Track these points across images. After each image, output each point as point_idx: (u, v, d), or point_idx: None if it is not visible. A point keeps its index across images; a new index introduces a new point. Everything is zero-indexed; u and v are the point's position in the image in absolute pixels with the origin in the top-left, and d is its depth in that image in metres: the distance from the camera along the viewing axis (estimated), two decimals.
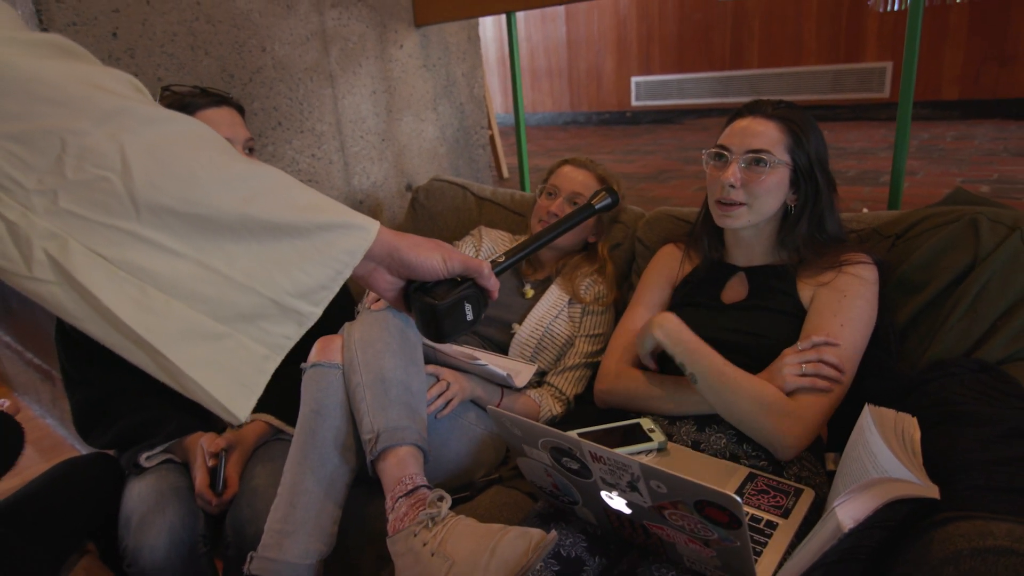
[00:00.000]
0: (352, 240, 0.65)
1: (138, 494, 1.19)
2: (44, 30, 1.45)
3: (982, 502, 0.81)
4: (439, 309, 0.74)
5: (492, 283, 0.78)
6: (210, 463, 1.21)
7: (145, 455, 1.25)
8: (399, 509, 0.93)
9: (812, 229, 1.19)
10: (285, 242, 0.62)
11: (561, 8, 6.14)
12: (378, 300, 1.19)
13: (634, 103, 5.96)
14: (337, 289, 0.65)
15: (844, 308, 1.10)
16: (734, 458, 1.10)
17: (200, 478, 1.19)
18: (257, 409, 1.32)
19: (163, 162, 0.56)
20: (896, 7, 3.62)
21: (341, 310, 1.42)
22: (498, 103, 6.75)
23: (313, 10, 1.91)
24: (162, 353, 0.57)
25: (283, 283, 0.62)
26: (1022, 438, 0.89)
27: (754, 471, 1.06)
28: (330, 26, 1.96)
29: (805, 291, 1.17)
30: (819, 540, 0.77)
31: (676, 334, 1.14)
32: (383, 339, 1.10)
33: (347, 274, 0.66)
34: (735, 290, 1.26)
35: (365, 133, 2.12)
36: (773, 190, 1.16)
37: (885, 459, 0.86)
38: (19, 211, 0.52)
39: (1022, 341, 1.10)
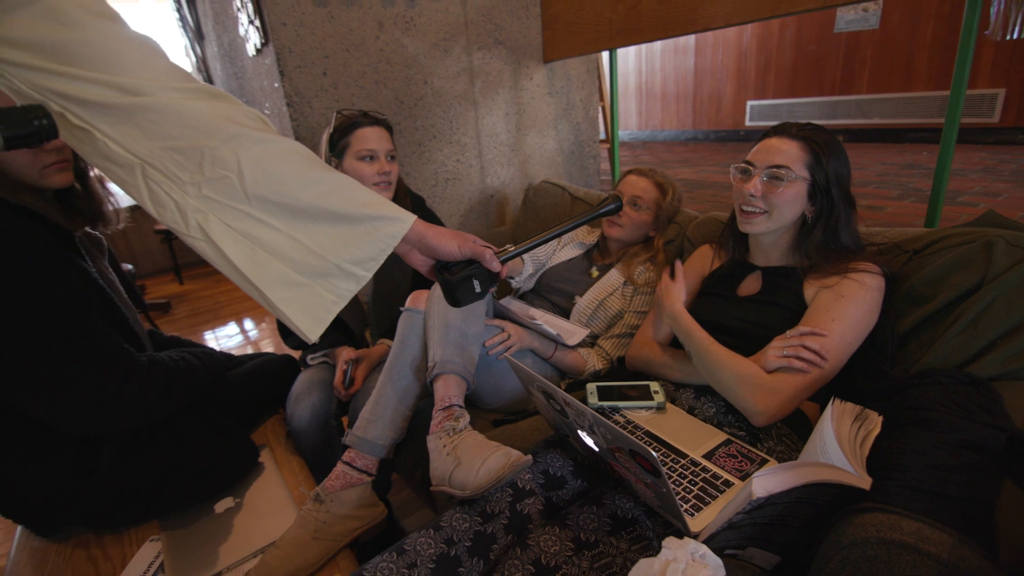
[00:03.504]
0: (394, 228, 0.70)
1: (300, 381, 1.32)
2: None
3: (905, 500, 0.68)
4: (451, 282, 0.76)
5: (494, 266, 0.77)
6: (345, 367, 1.29)
7: (310, 356, 1.39)
8: (436, 418, 0.98)
9: (826, 238, 1.03)
10: (347, 226, 0.68)
11: (692, 42, 5.66)
12: None
13: (748, 123, 5.36)
14: (382, 261, 0.71)
15: (839, 307, 0.95)
16: (719, 425, 1.01)
17: (337, 376, 1.28)
18: (384, 335, 1.44)
19: (264, 167, 0.64)
20: (1016, 35, 2.87)
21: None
22: (632, 122, 6.44)
23: (464, 52, 1.96)
24: (264, 293, 0.66)
25: (344, 254, 0.68)
26: (969, 449, 0.72)
27: (731, 438, 0.97)
28: (476, 64, 2.00)
29: (809, 290, 1.02)
30: (735, 502, 0.69)
31: (677, 319, 1.08)
32: None
33: (389, 251, 0.71)
34: (750, 285, 1.14)
35: (498, 145, 2.15)
36: (790, 201, 1.02)
37: (831, 446, 0.76)
38: (180, 194, 0.63)
39: (1019, 362, 0.87)
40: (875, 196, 2.98)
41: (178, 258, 4.24)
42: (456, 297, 0.79)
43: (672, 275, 1.20)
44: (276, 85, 1.72)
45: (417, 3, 1.80)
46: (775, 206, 1.03)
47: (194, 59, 3.47)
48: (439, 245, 0.75)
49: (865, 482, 0.70)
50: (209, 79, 3.27)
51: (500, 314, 1.34)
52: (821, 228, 1.03)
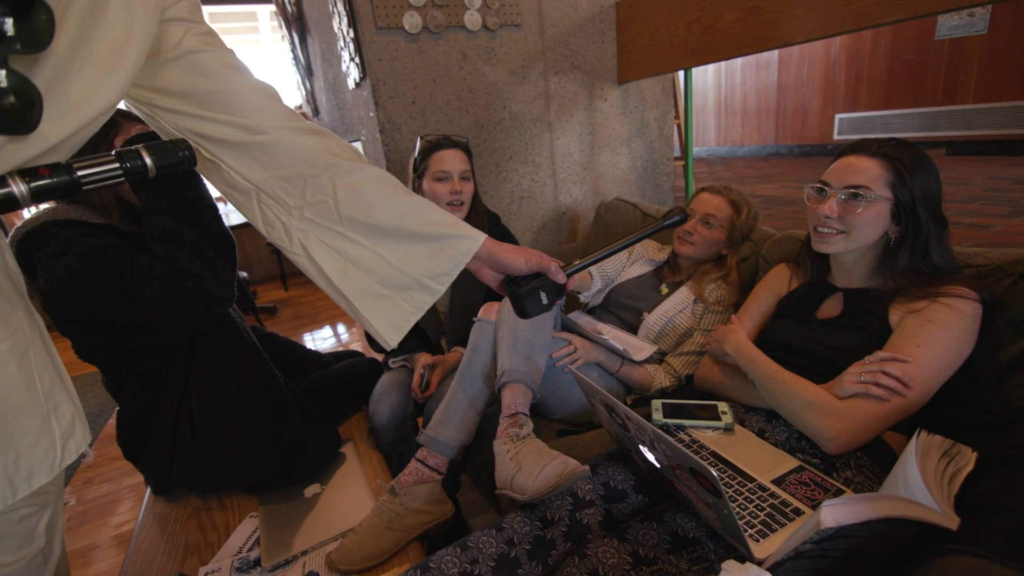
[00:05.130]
0: (466, 245, 0.74)
1: (381, 382, 1.39)
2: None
3: (998, 545, 0.60)
4: (518, 295, 0.77)
5: (560, 278, 0.78)
6: (422, 372, 1.34)
7: (392, 360, 1.46)
8: (502, 424, 1.00)
9: (915, 260, 0.94)
10: (424, 244, 0.73)
11: (775, 57, 5.36)
12: None
13: (836, 137, 4.95)
14: (455, 275, 0.75)
15: (926, 333, 0.86)
16: (792, 451, 0.94)
17: (414, 380, 1.34)
18: (459, 343, 1.49)
19: (354, 193, 0.70)
20: None
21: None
22: (711, 138, 6.19)
23: (540, 78, 2.00)
24: (352, 302, 0.72)
25: (422, 269, 0.73)
26: None
27: (804, 465, 0.91)
28: (552, 88, 2.03)
29: (895, 315, 0.93)
30: (803, 531, 0.65)
31: (739, 348, 1.03)
32: None
33: (461, 267, 0.75)
34: (830, 308, 1.05)
35: (572, 164, 2.16)
36: (870, 222, 0.94)
37: (914, 481, 0.69)
38: (286, 216, 0.71)
39: None
40: (981, 213, 2.66)
41: (285, 268, 4.62)
42: (524, 308, 0.80)
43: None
44: (371, 114, 1.85)
45: (498, 34, 1.87)
46: (853, 227, 0.96)
47: (304, 92, 3.80)
48: (507, 260, 0.77)
49: (952, 522, 0.63)
50: (316, 110, 3.57)
51: (568, 327, 1.34)
52: (907, 250, 0.94)
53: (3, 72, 0.46)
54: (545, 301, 0.82)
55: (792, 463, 0.91)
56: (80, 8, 0.52)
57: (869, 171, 0.94)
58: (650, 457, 0.81)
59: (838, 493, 0.84)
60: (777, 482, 0.87)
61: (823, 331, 1.02)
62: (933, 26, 4.13)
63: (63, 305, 0.92)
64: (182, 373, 1.07)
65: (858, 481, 0.86)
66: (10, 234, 1.01)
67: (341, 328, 3.54)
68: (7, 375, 0.59)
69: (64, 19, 0.50)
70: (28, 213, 1.07)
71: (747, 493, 0.85)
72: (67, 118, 0.53)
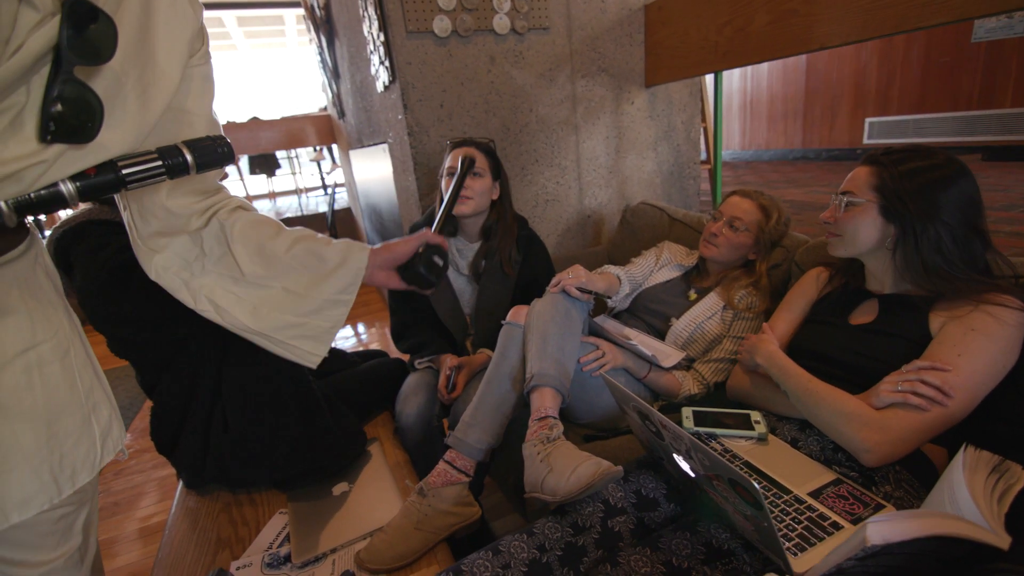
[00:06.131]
0: (359, 254, 0.85)
1: (408, 383, 1.40)
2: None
3: None
4: (414, 267, 0.89)
5: (436, 238, 0.93)
6: (448, 373, 1.34)
7: (417, 361, 1.47)
8: (532, 427, 1.00)
9: (921, 262, 0.92)
10: (323, 266, 0.82)
11: (803, 59, 5.27)
12: (556, 284, 1.24)
13: (866, 141, 4.84)
14: (359, 284, 0.86)
15: (968, 342, 0.83)
16: (828, 463, 0.92)
17: (441, 381, 1.34)
18: (484, 345, 1.49)
19: (246, 240, 0.79)
20: None
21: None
22: (736, 141, 6.10)
23: (568, 81, 1.99)
24: (271, 336, 0.80)
25: (328, 290, 0.82)
26: None
27: (842, 478, 0.88)
28: (579, 91, 2.03)
29: (936, 321, 0.91)
30: (847, 547, 0.63)
31: (770, 358, 1.02)
32: (551, 312, 1.16)
33: (362, 275, 0.85)
34: (864, 313, 1.03)
35: (597, 167, 2.16)
36: (859, 225, 0.97)
37: (962, 498, 0.67)
38: (187, 275, 0.78)
39: None
40: (1020, 221, 2.57)
41: None
42: (425, 278, 0.90)
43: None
44: (400, 117, 1.87)
45: (526, 37, 1.87)
46: (845, 230, 0.99)
47: (330, 94, 3.86)
48: (397, 248, 0.90)
49: (1003, 541, 0.61)
50: (342, 112, 3.62)
51: (595, 332, 1.34)
52: (909, 251, 0.93)
53: (67, 82, 0.48)
54: (441, 263, 0.93)
55: (829, 475, 0.89)
56: (131, 27, 0.54)
57: (858, 177, 0.97)
58: (684, 466, 0.81)
59: (878, 508, 0.82)
60: (814, 495, 0.85)
61: (857, 338, 1.00)
62: (969, 28, 4.02)
63: (100, 300, 0.94)
64: (215, 371, 1.09)
65: (898, 496, 0.84)
66: (47, 234, 1.05)
67: (361, 328, 3.57)
68: (51, 375, 0.60)
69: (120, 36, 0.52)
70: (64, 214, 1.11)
71: (783, 505, 0.84)
72: (124, 130, 0.55)
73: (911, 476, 0.87)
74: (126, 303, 0.92)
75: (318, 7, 3.17)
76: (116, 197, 0.74)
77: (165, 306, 0.90)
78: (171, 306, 0.89)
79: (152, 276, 0.77)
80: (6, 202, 0.49)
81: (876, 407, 0.86)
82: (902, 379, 0.85)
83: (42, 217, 5.30)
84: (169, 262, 0.76)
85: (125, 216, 0.75)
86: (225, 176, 0.87)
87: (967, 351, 0.83)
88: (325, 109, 5.20)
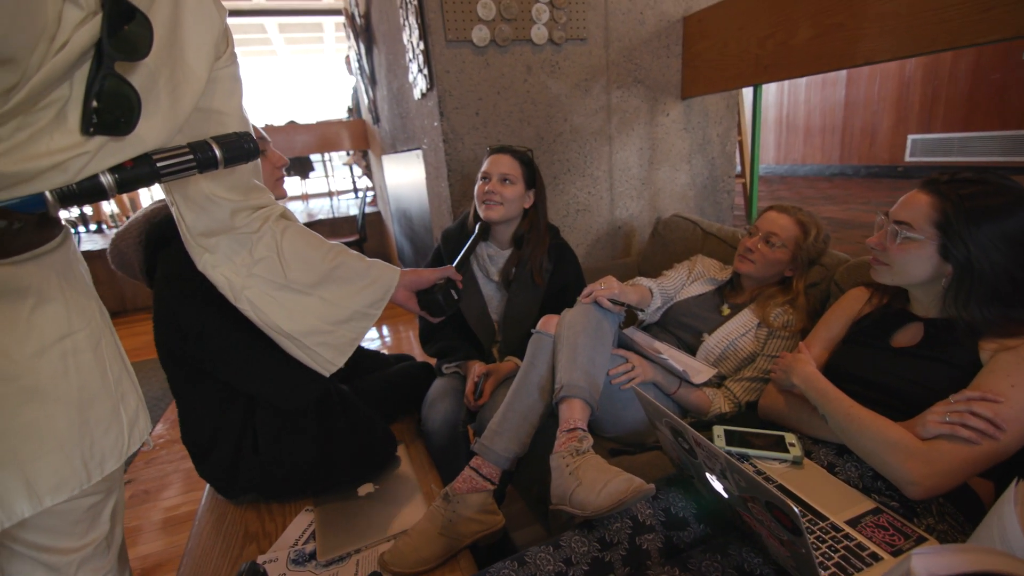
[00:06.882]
0: (389, 277, 0.96)
1: (435, 387, 1.41)
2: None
3: None
4: (432, 295, 1.05)
5: (454, 273, 1.13)
6: (475, 380, 1.34)
7: (445, 365, 1.47)
8: (560, 438, 0.99)
9: (977, 309, 0.86)
10: (358, 283, 0.92)
11: (843, 73, 5.15)
12: (588, 295, 1.23)
13: (908, 159, 4.69)
14: (386, 301, 0.96)
15: (1021, 372, 0.80)
16: (866, 491, 0.89)
17: (468, 387, 1.34)
18: (511, 353, 1.49)
19: (294, 247, 0.87)
20: None
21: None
22: (770, 155, 5.99)
23: (603, 92, 2.00)
24: (300, 340, 0.86)
25: (360, 302, 0.90)
26: None
27: (882, 507, 0.85)
28: (614, 102, 2.03)
29: (986, 349, 0.86)
30: None
31: (807, 380, 0.98)
32: (582, 323, 1.16)
33: (391, 292, 0.96)
34: (908, 336, 0.99)
35: (629, 178, 2.15)
36: (912, 260, 0.90)
37: (1013, 534, 0.64)
38: (232, 274, 0.84)
39: None
40: None
41: None
42: (441, 306, 1.05)
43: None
44: (436, 124, 1.90)
45: (563, 48, 1.89)
46: (894, 262, 0.93)
47: (366, 100, 3.95)
48: (422, 274, 1.07)
49: None
50: (377, 118, 3.69)
51: (624, 344, 1.32)
52: (963, 297, 0.87)
53: (108, 77, 0.50)
54: (456, 297, 1.09)
55: (868, 504, 0.86)
56: (163, 26, 0.57)
57: (917, 207, 0.89)
58: (717, 487, 0.79)
59: (920, 540, 0.79)
60: (852, 523, 0.83)
61: (900, 362, 0.96)
62: (1021, 43, 3.87)
63: (178, 302, 0.96)
64: (247, 398, 1.08)
65: (941, 529, 0.81)
66: (92, 227, 1.11)
67: (386, 331, 3.62)
68: (85, 363, 0.63)
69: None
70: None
71: (819, 532, 0.81)
72: (158, 124, 0.58)
73: (956, 509, 0.84)
74: (192, 313, 0.95)
75: (359, 15, 3.25)
76: (165, 193, 0.77)
77: (231, 318, 0.93)
78: (227, 321, 0.92)
79: (199, 268, 0.80)
80: (51, 192, 0.51)
81: (922, 437, 0.83)
82: (950, 409, 0.81)
83: (88, 211, 5.53)
84: (218, 261, 0.79)
85: (174, 211, 0.78)
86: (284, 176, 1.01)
87: (1021, 382, 0.79)
88: (352, 111, 5.31)
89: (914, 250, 0.90)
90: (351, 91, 5.66)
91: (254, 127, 1.14)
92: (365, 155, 5.66)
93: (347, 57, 4.55)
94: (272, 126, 5.16)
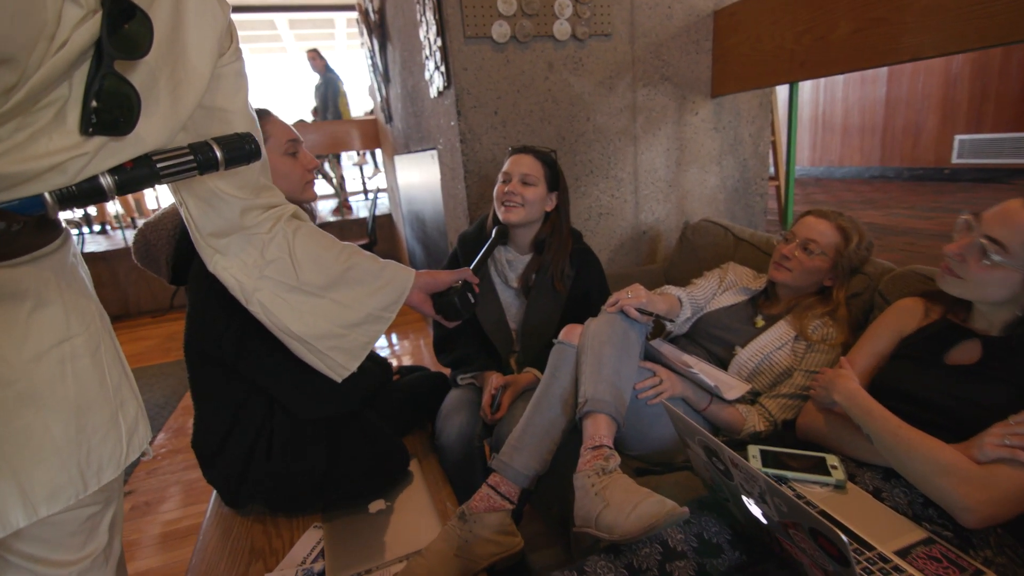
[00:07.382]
0: (403, 279, 0.97)
1: (450, 399, 1.40)
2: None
3: None
4: (448, 298, 1.04)
5: (471, 276, 1.12)
6: (493, 392, 1.34)
7: (460, 376, 1.47)
8: (584, 456, 0.98)
9: None
10: (371, 285, 0.92)
11: (884, 69, 5.07)
12: (614, 304, 1.22)
13: (955, 160, 4.59)
14: (401, 304, 0.97)
15: None
16: (916, 519, 0.86)
17: (485, 399, 1.34)
18: (529, 364, 1.48)
19: (306, 249, 0.88)
20: None
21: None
22: (804, 156, 5.92)
23: (628, 89, 1.99)
24: (312, 344, 0.87)
25: (374, 305, 0.92)
26: None
27: (934, 537, 0.83)
28: (640, 100, 2.02)
29: None
30: None
31: (850, 397, 0.96)
32: (608, 333, 1.15)
33: (406, 295, 0.97)
34: (964, 353, 0.96)
35: (655, 180, 2.13)
36: (992, 283, 0.88)
37: None
38: (244, 276, 0.86)
39: None
40: None
41: None
42: (456, 306, 1.05)
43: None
44: (452, 123, 1.91)
45: (587, 44, 1.89)
46: (971, 278, 0.90)
47: (379, 98, 3.99)
48: (438, 276, 1.06)
49: None
50: (389, 117, 3.73)
51: (651, 357, 1.31)
52: None
53: (108, 76, 0.51)
54: (473, 300, 1.09)
55: (919, 533, 0.84)
56: (164, 24, 0.58)
57: (1017, 225, 0.85)
58: (755, 511, 0.77)
59: (977, 574, 0.76)
60: (901, 553, 0.80)
61: (954, 380, 0.93)
62: None
63: (219, 299, 0.98)
64: (266, 402, 1.11)
65: (1000, 562, 0.78)
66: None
67: (394, 339, 3.63)
68: (83, 368, 0.63)
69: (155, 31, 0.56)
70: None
71: (865, 563, 0.79)
72: (159, 124, 0.59)
73: (1016, 541, 0.81)
74: (233, 312, 0.97)
75: (373, 11, 3.30)
76: (173, 193, 0.78)
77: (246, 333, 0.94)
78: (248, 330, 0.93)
79: (211, 270, 0.82)
80: (51, 193, 0.52)
81: (979, 461, 0.80)
82: (1011, 432, 0.79)
83: (92, 211, 5.65)
84: (229, 263, 0.81)
85: (183, 212, 0.79)
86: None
87: None
88: (371, 112, 5.38)
89: (999, 273, 0.86)
90: (314, 90, 5.81)
91: (288, 126, 1.18)
92: (373, 155, 5.73)
93: (309, 53, 4.74)
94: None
